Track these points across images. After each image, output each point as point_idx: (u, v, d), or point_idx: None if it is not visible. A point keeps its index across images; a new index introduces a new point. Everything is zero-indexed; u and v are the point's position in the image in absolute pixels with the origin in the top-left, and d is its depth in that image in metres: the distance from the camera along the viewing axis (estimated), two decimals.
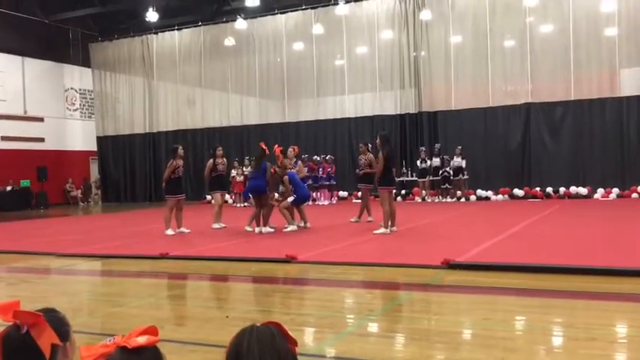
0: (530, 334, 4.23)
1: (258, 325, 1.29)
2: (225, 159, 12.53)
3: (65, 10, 24.07)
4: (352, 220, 12.15)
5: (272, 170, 10.93)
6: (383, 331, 4.54)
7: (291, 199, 11.13)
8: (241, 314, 5.11)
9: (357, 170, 12.69)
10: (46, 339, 1.49)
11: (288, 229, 10.80)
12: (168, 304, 5.88)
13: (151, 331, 1.37)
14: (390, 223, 9.95)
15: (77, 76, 26.98)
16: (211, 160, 12.25)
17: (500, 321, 4.57)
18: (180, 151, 11.37)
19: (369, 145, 12.51)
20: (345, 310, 5.31)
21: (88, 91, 27.19)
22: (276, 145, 11.77)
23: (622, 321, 4.59)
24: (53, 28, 24.77)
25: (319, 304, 5.46)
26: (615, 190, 16.88)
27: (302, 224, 11.22)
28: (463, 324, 4.57)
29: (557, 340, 4.14)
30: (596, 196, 17.03)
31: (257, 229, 10.79)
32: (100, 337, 4.07)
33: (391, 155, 10.15)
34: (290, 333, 1.26)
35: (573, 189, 17.36)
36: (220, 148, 12.58)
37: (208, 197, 18.81)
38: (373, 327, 4.64)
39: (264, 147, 10.95)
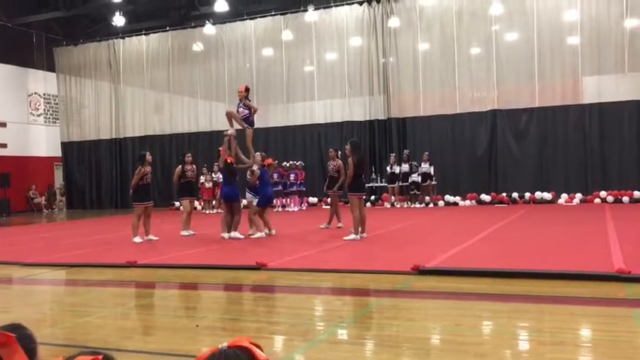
0: (500, 339, 4.29)
1: (226, 348, 1.24)
2: (194, 165, 12.44)
3: (29, 13, 23.54)
4: (322, 226, 12.15)
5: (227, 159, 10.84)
6: (354, 339, 4.54)
7: (255, 201, 11.11)
8: (211, 323, 5.05)
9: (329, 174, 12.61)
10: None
11: (256, 236, 10.77)
12: (136, 313, 5.77)
13: None
14: (360, 229, 9.98)
15: (41, 81, 26.39)
16: (180, 167, 12.14)
17: (470, 326, 4.62)
18: (149, 157, 11.20)
19: (339, 152, 12.54)
20: (316, 318, 5.30)
21: (53, 95, 26.61)
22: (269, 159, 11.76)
23: (588, 325, 4.68)
24: (17, 32, 24.18)
25: (290, 311, 5.44)
26: (579, 195, 17.28)
27: (267, 231, 11.15)
28: (434, 330, 4.60)
29: (526, 345, 4.20)
30: (560, 201, 17.41)
31: (226, 235, 10.75)
32: (64, 349, 3.97)
33: (361, 162, 10.20)
34: (260, 355, 1.22)
35: (538, 194, 17.71)
36: (189, 155, 12.47)
37: (177, 204, 18.58)
38: (344, 334, 4.64)
39: (228, 160, 10.85)
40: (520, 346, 4.17)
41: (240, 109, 11.03)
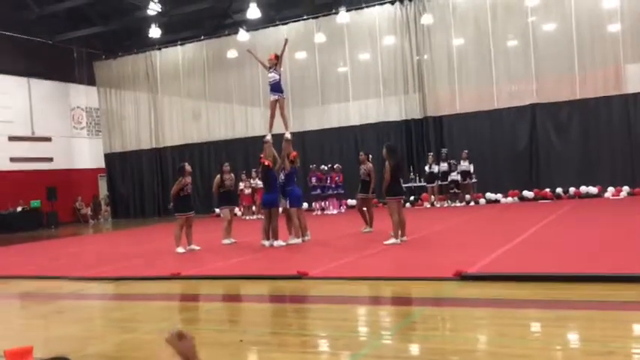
0: (547, 350, 4.17)
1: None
2: (232, 174, 12.56)
3: (69, 30, 24.26)
4: (365, 229, 12.08)
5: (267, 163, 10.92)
6: (398, 352, 4.49)
7: (286, 204, 11.18)
8: (255, 337, 5.09)
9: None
10: None
11: (292, 242, 10.82)
12: (181, 328, 5.85)
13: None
14: (400, 233, 9.91)
15: (83, 95, 27.18)
16: (218, 176, 12.29)
17: (515, 337, 4.51)
18: (188, 168, 11.40)
19: (369, 155, 12.45)
20: (360, 330, 5.27)
21: (94, 109, 27.37)
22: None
23: None
24: (58, 49, 24.97)
25: (333, 323, 5.42)
26: (625, 188, 16.74)
27: (302, 238, 11.16)
28: (478, 341, 4.52)
29: (574, 356, 4.07)
30: (606, 194, 16.89)
31: (267, 243, 10.81)
32: None
33: (398, 165, 10.13)
34: None
35: (583, 189, 17.24)
36: (227, 164, 12.63)
37: (217, 210, 18.82)
38: (388, 347, 4.59)
39: (266, 163, 10.95)
40: (569, 358, 4.05)
41: (271, 74, 11.40)
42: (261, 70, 22.87)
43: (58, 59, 25.36)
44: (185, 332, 1.92)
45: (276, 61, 11.40)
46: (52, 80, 25.61)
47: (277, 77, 11.38)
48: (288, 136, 11.35)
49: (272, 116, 11.61)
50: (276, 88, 11.40)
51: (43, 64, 24.76)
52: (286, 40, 11.91)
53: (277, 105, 11.42)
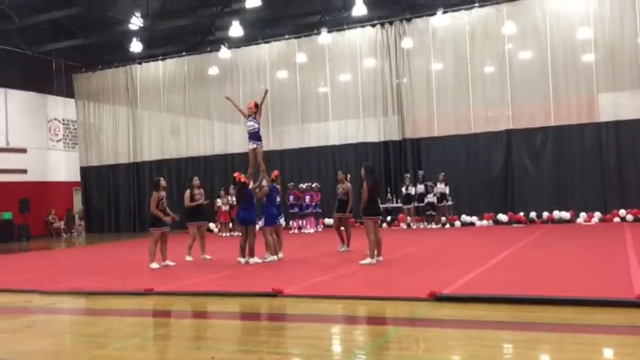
0: None
1: None
2: (201, 190, 12.47)
3: (48, 41, 24.07)
4: (341, 249, 12.09)
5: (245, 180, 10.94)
6: None
7: (261, 222, 11.17)
8: (227, 355, 5.05)
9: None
10: None
11: (269, 259, 10.80)
12: (153, 345, 5.79)
13: None
14: (376, 253, 9.96)
15: (60, 107, 26.90)
16: (188, 191, 12.25)
17: (488, 357, 4.56)
18: (163, 182, 11.30)
19: (348, 175, 12.53)
20: (334, 349, 5.27)
21: (72, 121, 27.09)
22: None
23: (611, 356, 4.60)
24: (36, 60, 24.73)
25: (307, 341, 5.41)
26: (597, 214, 17.07)
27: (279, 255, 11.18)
28: None
29: None
30: (578, 220, 17.21)
31: (243, 260, 10.79)
32: None
33: (376, 186, 10.21)
34: None
35: (556, 214, 17.53)
36: (196, 179, 12.61)
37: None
38: None
39: (242, 179, 10.95)
40: None
41: (250, 123, 11.20)
42: (242, 88, 23.11)
43: (36, 70, 25.12)
44: None
45: (256, 110, 11.16)
46: (29, 91, 25.32)
47: (256, 126, 11.13)
48: (264, 183, 11.17)
49: (251, 166, 11.33)
50: (254, 136, 11.15)
51: (20, 74, 24.50)
52: (266, 91, 11.66)
53: (255, 153, 11.20)
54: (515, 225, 17.53)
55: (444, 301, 6.50)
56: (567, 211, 17.44)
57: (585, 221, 17.06)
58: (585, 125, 18.04)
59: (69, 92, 26.45)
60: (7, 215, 23.46)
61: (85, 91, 26.30)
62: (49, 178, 26.01)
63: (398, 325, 5.90)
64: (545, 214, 17.67)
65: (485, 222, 18.18)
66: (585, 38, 18.23)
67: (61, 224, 26.22)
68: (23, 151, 24.94)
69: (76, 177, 26.49)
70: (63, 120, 27.13)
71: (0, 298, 8.75)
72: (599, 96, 18.14)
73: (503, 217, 18.06)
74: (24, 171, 24.81)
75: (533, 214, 17.78)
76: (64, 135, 27.29)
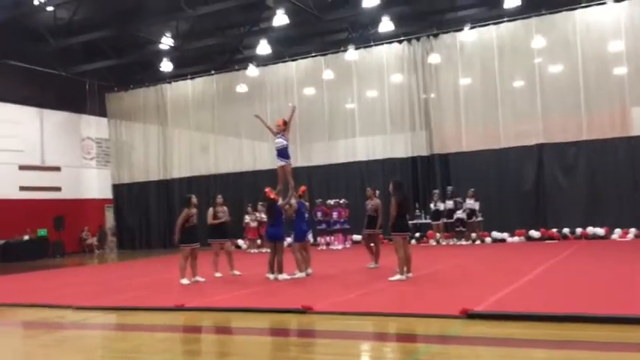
0: None
1: None
2: (225, 207, 12.52)
3: (82, 62, 24.72)
4: (370, 265, 12.04)
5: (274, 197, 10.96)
6: None
7: (290, 239, 11.17)
8: None
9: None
10: None
11: (297, 276, 10.81)
12: None
13: None
14: (405, 269, 9.88)
15: (94, 126, 27.48)
16: (211, 209, 12.31)
17: None
18: (194, 200, 11.44)
19: (377, 191, 12.50)
20: None
21: (104, 140, 27.66)
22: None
23: None
24: (71, 80, 25.38)
25: (336, 358, 5.38)
26: (632, 230, 16.64)
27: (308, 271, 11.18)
28: None
29: None
30: (613, 236, 16.79)
31: (272, 276, 10.80)
32: None
33: (404, 201, 10.16)
34: None
35: (590, 229, 17.14)
36: (220, 197, 12.69)
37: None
38: None
39: (271, 196, 11.01)
40: None
41: (278, 140, 11.19)
42: (270, 105, 23.30)
43: (71, 90, 25.77)
44: None
45: (284, 127, 11.12)
46: (64, 111, 25.98)
47: (285, 143, 11.09)
48: (293, 201, 11.16)
49: (280, 182, 11.25)
50: (283, 154, 11.11)
51: (56, 95, 25.15)
52: (294, 108, 11.59)
53: (284, 171, 11.15)
54: (547, 241, 17.19)
55: (476, 318, 6.40)
56: (601, 226, 17.03)
57: (621, 237, 16.63)
58: (618, 139, 17.66)
59: (102, 111, 27.05)
60: (42, 232, 23.96)
61: (117, 111, 26.88)
62: (82, 196, 26.53)
63: (429, 343, 5.82)
64: (579, 230, 17.30)
65: (516, 238, 17.87)
66: (617, 51, 17.94)
67: (94, 241, 26.67)
68: (57, 169, 25.52)
69: (108, 194, 26.98)
70: (96, 139, 27.71)
71: (34, 313, 8.93)
72: (631, 109, 17.79)
73: (535, 233, 17.73)
74: (58, 189, 25.37)
75: (566, 230, 17.42)
76: (96, 153, 27.85)
